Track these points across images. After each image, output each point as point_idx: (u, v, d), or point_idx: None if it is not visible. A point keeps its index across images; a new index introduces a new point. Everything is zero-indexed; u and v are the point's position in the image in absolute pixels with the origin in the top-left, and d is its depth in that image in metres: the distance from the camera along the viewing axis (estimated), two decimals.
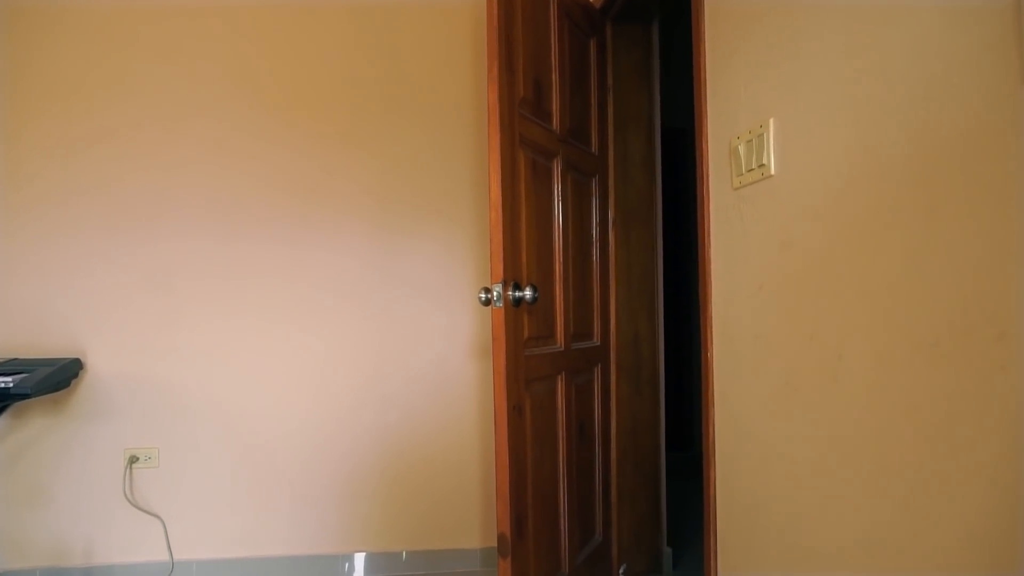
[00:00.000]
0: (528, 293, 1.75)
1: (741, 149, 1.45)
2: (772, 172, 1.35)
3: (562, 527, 2.02)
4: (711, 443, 1.61)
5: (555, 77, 2.09)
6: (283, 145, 2.52)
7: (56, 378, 2.15)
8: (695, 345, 4.23)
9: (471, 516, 2.57)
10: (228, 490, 2.45)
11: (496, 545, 2.56)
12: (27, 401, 2.30)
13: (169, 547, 2.39)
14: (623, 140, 2.54)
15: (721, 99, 1.54)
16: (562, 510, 2.01)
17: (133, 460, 2.39)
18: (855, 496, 1.12)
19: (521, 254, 1.83)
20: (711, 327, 1.61)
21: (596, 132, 2.39)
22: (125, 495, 2.37)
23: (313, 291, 2.52)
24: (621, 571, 2.44)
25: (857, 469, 1.11)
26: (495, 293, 1.71)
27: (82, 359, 2.37)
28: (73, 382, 2.36)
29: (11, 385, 1.92)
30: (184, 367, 2.44)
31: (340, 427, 2.52)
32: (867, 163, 1.08)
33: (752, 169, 1.42)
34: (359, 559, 2.48)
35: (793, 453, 1.29)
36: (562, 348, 2.05)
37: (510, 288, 1.73)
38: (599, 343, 2.37)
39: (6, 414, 2.34)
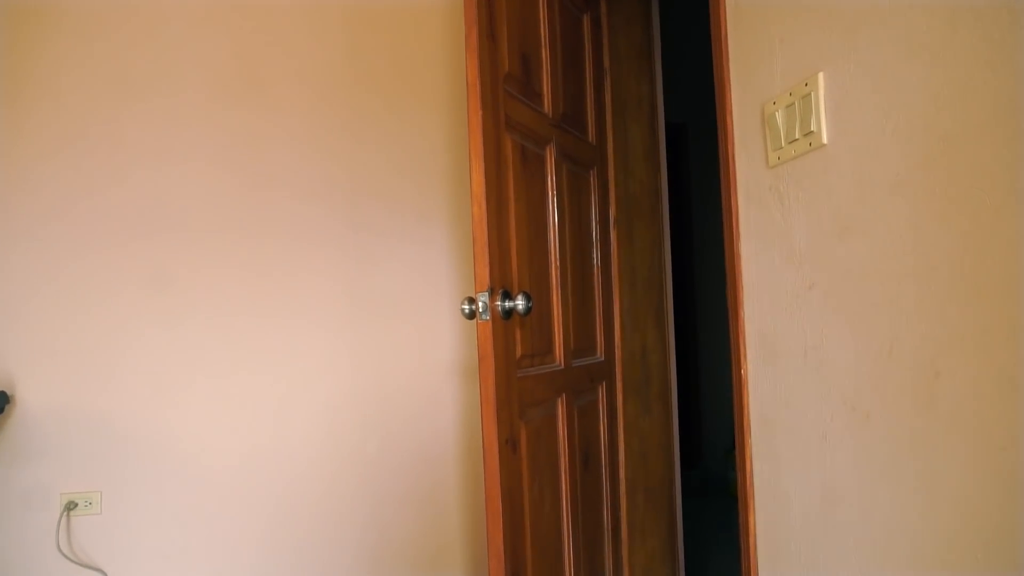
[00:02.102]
0: (520, 303, 1.46)
1: (779, 116, 1.17)
2: (824, 140, 1.07)
3: None
4: (748, 479, 1.32)
5: (545, 53, 1.81)
6: (239, 143, 2.23)
7: None
8: (702, 352, 3.95)
9: (454, 560, 2.26)
10: (183, 539, 2.13)
11: None
12: None
13: None
14: (623, 128, 2.26)
15: (748, 55, 1.26)
16: (567, 559, 1.71)
17: (71, 506, 2.07)
18: (967, 561, 0.83)
19: (510, 256, 1.54)
20: (743, 338, 1.32)
21: (593, 119, 2.11)
22: (59, 548, 2.04)
23: (277, 306, 2.22)
24: None
25: (971, 522, 0.82)
26: (480, 304, 1.42)
27: (9, 392, 2.06)
28: None
29: None
30: (130, 398, 2.13)
31: (311, 463, 2.21)
32: (976, 107, 0.80)
33: (795, 140, 1.13)
34: None
35: (868, 498, 1.00)
36: (561, 366, 1.76)
37: (498, 297, 1.44)
38: (602, 358, 2.08)
39: None
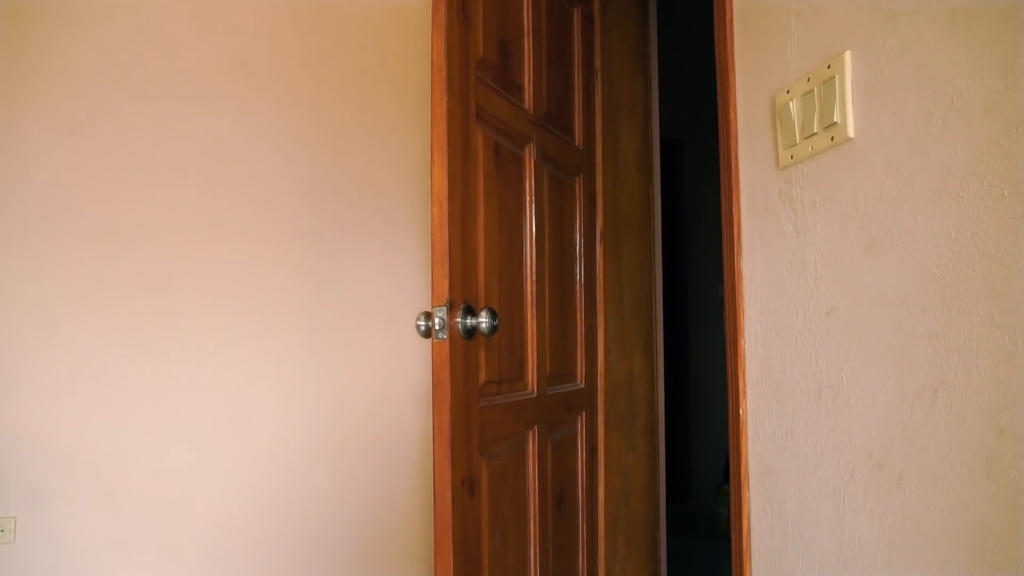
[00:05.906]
0: (484, 320, 1.25)
1: (793, 106, 0.98)
2: (850, 133, 0.87)
3: None
4: (744, 540, 1.10)
5: (527, 43, 1.62)
6: (193, 132, 2.03)
7: None
8: (693, 379, 3.74)
9: None
10: (110, 573, 1.90)
11: None
12: None
13: None
14: (614, 133, 2.07)
15: (757, 35, 1.07)
16: None
17: None
18: None
19: (476, 267, 1.34)
20: (743, 371, 1.12)
21: (581, 121, 1.92)
22: None
23: (227, 310, 2.01)
24: None
25: None
26: (437, 320, 1.21)
27: None
28: None
29: None
30: (51, 411, 1.90)
31: (256, 491, 1.99)
32: None
33: (813, 135, 0.94)
34: None
35: None
36: (534, 394, 1.55)
37: (459, 313, 1.23)
38: (583, 385, 1.87)
39: None
